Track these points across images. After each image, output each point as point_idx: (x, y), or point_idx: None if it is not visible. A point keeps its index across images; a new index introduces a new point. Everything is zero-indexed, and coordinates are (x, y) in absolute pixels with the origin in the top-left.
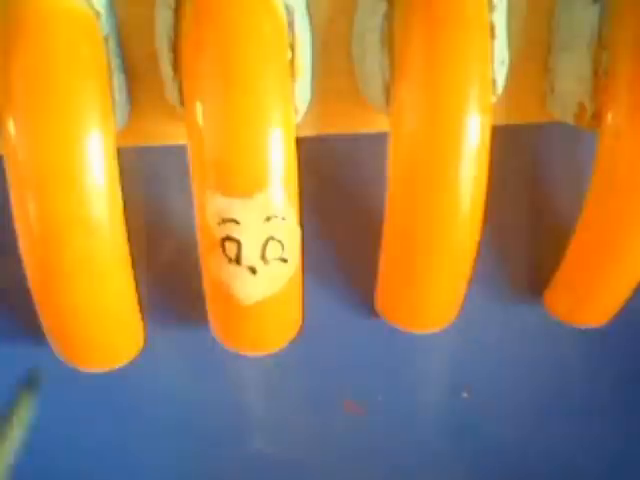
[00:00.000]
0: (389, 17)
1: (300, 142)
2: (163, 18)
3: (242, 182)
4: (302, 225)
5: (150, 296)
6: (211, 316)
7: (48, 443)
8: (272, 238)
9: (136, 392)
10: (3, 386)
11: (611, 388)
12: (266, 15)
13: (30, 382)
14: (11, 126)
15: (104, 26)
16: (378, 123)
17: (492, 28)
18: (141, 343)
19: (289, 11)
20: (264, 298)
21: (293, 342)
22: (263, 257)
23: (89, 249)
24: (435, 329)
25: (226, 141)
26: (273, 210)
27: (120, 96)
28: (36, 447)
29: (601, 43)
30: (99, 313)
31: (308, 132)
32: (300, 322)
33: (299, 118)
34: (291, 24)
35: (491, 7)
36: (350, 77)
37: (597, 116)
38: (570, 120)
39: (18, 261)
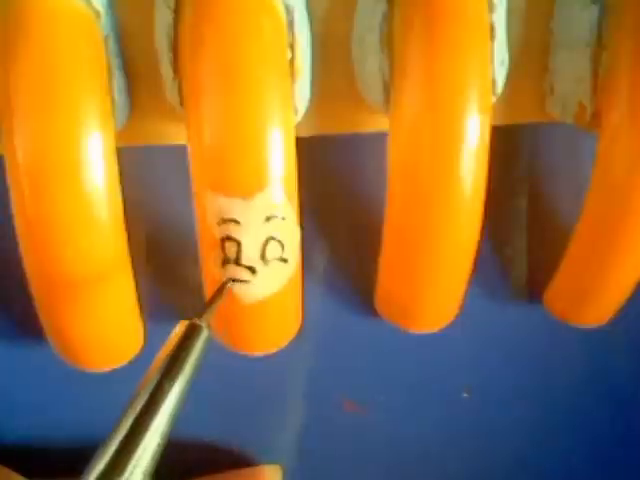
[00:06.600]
0: (389, 17)
1: (300, 142)
2: (163, 18)
3: (242, 182)
4: (302, 225)
5: (150, 296)
6: None
7: (48, 443)
8: (272, 238)
9: None
10: (3, 386)
11: (611, 388)
12: (266, 15)
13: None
14: (11, 126)
15: (104, 26)
16: (378, 123)
17: (492, 28)
18: (141, 343)
19: (289, 11)
20: (264, 298)
21: (293, 342)
22: (263, 257)
23: (89, 249)
24: (434, 329)
25: (226, 141)
26: (273, 210)
27: (120, 96)
28: (36, 446)
29: (601, 43)
30: (99, 313)
31: (308, 132)
32: (300, 322)
33: (299, 118)
34: (291, 24)
35: (491, 7)
36: (350, 77)
37: (597, 116)
38: (570, 120)
39: (18, 261)
